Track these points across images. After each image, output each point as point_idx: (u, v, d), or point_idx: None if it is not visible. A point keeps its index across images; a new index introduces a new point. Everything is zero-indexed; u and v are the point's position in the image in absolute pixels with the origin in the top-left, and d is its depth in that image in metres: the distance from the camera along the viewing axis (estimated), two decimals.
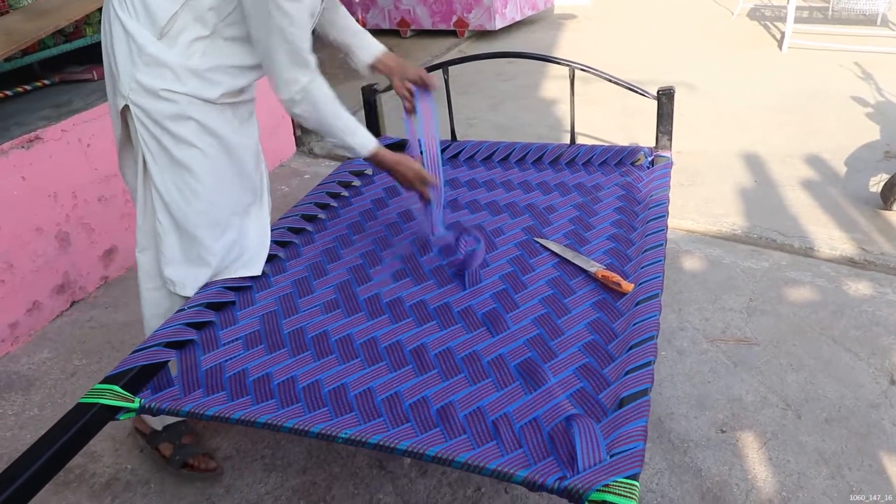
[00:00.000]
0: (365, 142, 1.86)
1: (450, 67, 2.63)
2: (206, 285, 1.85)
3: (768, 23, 6.73)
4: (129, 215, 3.27)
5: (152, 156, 1.75)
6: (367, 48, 2.08)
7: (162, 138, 1.73)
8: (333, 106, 1.79)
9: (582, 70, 2.50)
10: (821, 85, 4.99)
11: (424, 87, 2.10)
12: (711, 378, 2.35)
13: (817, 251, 3.03)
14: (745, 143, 4.10)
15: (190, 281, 1.85)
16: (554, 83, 5.36)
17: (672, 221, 3.06)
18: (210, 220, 1.81)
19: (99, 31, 3.02)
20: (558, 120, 4.61)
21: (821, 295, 2.73)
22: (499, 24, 6.66)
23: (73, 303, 3.07)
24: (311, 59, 1.73)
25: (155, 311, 1.99)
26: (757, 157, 3.94)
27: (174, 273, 1.85)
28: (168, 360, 1.63)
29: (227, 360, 1.64)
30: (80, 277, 3.08)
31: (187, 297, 1.86)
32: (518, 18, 6.98)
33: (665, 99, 2.43)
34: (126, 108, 1.74)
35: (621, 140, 4.17)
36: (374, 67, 2.09)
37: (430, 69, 2.70)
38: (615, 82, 2.49)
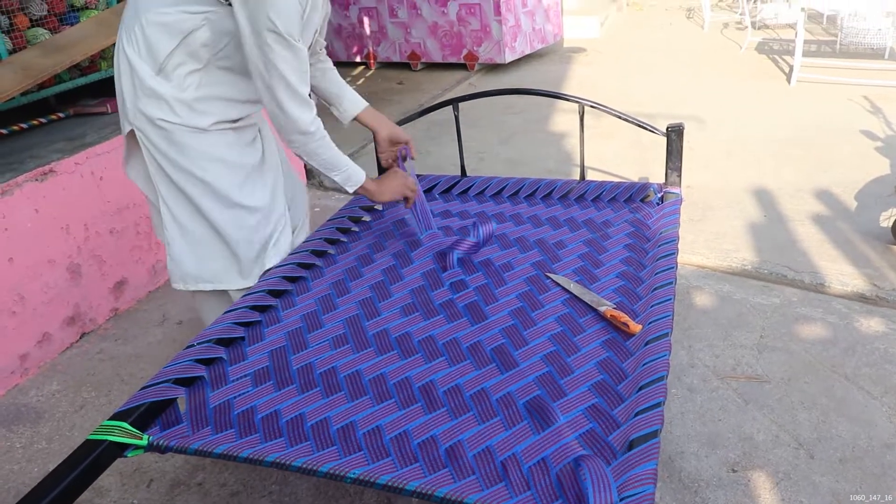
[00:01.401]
0: (359, 174, 2.06)
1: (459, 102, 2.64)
2: (217, 321, 1.86)
3: (776, 56, 6.77)
4: (140, 248, 3.29)
5: (155, 174, 1.99)
6: (353, 101, 2.27)
7: (160, 161, 1.95)
8: (329, 144, 1.95)
9: (592, 107, 2.51)
10: (830, 119, 5.00)
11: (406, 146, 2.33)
12: (722, 416, 2.33)
13: (828, 287, 3.02)
14: (754, 177, 4.11)
15: (195, 277, 2.11)
16: (563, 116, 5.39)
17: (682, 257, 3.06)
18: (209, 233, 2.04)
19: (113, 66, 3.11)
20: (568, 154, 4.63)
21: (832, 332, 2.72)
22: (508, 58, 6.71)
23: (83, 334, 3.08)
24: (312, 102, 1.88)
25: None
26: (767, 191, 3.94)
27: (177, 271, 2.11)
28: (177, 397, 1.63)
29: (235, 397, 1.63)
30: (91, 309, 3.09)
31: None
32: (528, 52, 7.04)
33: (674, 136, 2.43)
34: (131, 131, 1.97)
35: (632, 173, 4.19)
36: (357, 119, 2.28)
37: (440, 105, 2.73)
38: (625, 119, 2.50)
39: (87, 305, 3.07)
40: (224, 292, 2.20)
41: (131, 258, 3.26)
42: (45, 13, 3.13)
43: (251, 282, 2.11)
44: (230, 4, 1.78)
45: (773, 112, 5.24)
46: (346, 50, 7.44)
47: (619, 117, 2.51)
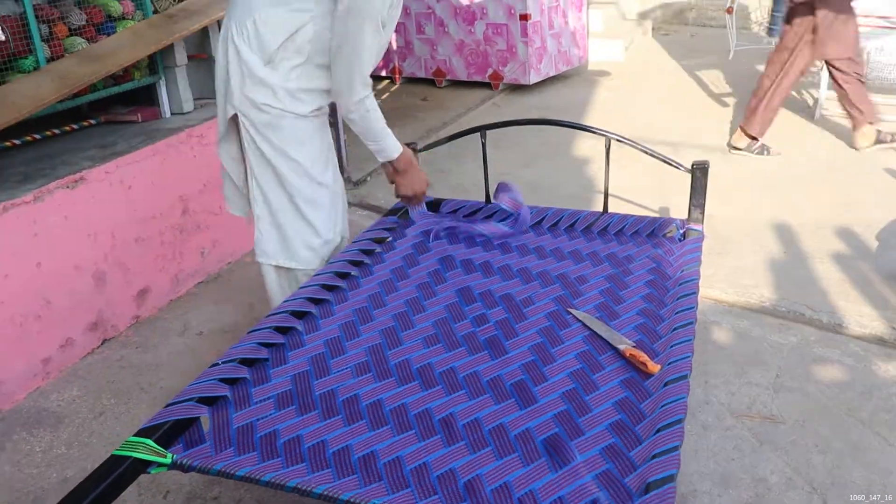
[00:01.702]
0: (396, 144, 2.35)
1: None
2: (241, 340, 1.89)
3: (801, 88, 6.75)
4: (164, 256, 3.34)
5: (252, 154, 2.29)
6: None
7: (259, 142, 2.25)
8: (380, 119, 2.27)
9: (618, 140, 2.53)
10: (853, 155, 4.98)
11: None
12: (736, 455, 2.33)
13: (846, 328, 3.02)
14: (776, 212, 4.11)
15: (276, 253, 2.39)
16: (587, 141, 5.40)
17: (701, 291, 3.05)
18: (293, 212, 2.33)
19: (145, 76, 3.32)
20: (590, 180, 4.65)
21: (849, 374, 2.72)
22: (533, 80, 6.74)
23: (104, 340, 3.12)
24: (370, 81, 2.20)
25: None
26: (788, 226, 3.94)
27: (265, 247, 2.40)
28: (200, 416, 1.66)
29: (258, 420, 1.66)
30: (113, 316, 3.14)
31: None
32: (552, 74, 7.07)
33: (699, 173, 2.45)
34: (234, 115, 2.26)
35: (653, 202, 4.20)
36: None
37: (469, 132, 2.75)
38: (651, 154, 2.52)
39: (109, 312, 3.12)
40: (291, 272, 2.46)
41: (155, 266, 3.31)
42: (84, 23, 3.18)
43: (319, 263, 2.40)
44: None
45: (797, 146, 5.23)
46: None
47: (645, 152, 2.54)
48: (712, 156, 5.03)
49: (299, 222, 2.35)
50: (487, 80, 6.97)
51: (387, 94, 7.11)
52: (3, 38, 2.78)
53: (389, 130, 2.32)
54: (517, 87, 7.01)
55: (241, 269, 3.74)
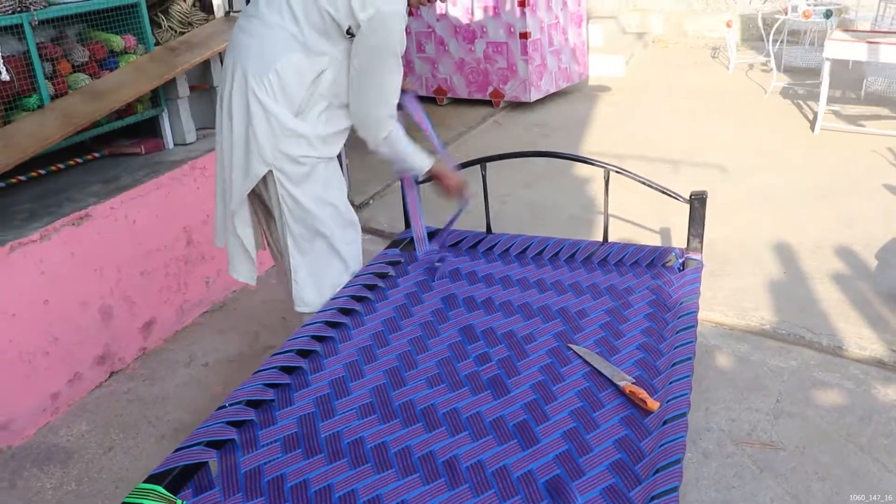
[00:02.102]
0: (426, 160, 2.43)
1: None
2: (247, 382, 1.92)
3: (801, 101, 6.79)
4: (168, 288, 3.37)
5: (287, 208, 2.25)
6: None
7: (296, 194, 2.23)
8: (405, 141, 2.34)
9: (617, 172, 2.56)
10: (853, 171, 5.01)
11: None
12: (737, 483, 2.36)
13: (846, 350, 3.04)
14: (775, 231, 4.14)
15: (316, 300, 2.37)
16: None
17: (701, 314, 3.07)
18: (328, 255, 2.36)
19: (148, 108, 3.38)
20: (590, 200, 4.68)
21: (849, 399, 2.74)
22: (534, 97, 6.79)
23: (111, 374, 3.16)
24: (394, 113, 2.27)
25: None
26: (787, 245, 3.97)
27: (305, 297, 2.38)
28: (209, 461, 1.69)
29: (265, 463, 1.69)
30: (120, 349, 3.17)
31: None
32: (553, 91, 7.11)
33: (697, 203, 2.48)
34: (268, 173, 2.21)
35: (655, 221, 4.23)
36: None
37: (468, 164, 2.78)
38: (649, 185, 2.54)
39: (116, 345, 3.15)
40: None
41: (160, 299, 3.35)
42: (87, 59, 3.23)
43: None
44: (351, 37, 2.13)
45: (796, 162, 5.26)
46: None
47: (644, 183, 2.56)
48: (711, 173, 5.07)
49: (336, 263, 2.40)
50: (488, 98, 7.01)
51: None
52: (7, 77, 2.83)
53: (414, 146, 2.39)
54: (518, 105, 7.05)
55: (245, 296, 3.77)
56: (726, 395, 2.79)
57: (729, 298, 3.47)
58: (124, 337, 3.19)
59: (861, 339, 3.09)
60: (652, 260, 2.53)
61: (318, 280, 2.38)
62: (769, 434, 2.58)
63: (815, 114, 5.99)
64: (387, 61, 2.14)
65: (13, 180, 3.14)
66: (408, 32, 7.13)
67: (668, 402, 1.75)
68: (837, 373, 2.90)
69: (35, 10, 2.92)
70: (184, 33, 3.66)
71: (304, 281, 2.36)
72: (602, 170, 2.60)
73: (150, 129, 3.69)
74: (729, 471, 2.42)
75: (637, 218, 4.30)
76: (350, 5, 2.07)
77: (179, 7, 3.64)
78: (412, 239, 2.69)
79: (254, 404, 1.87)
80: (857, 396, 2.75)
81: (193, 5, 3.76)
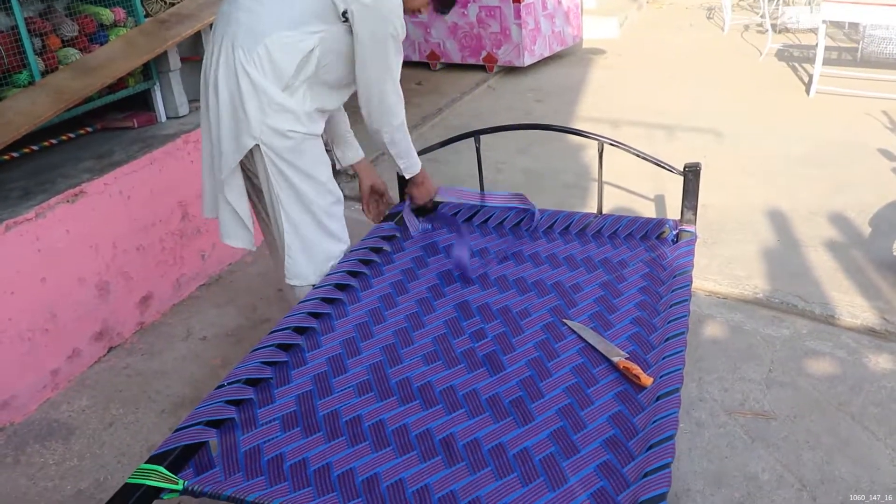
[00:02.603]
0: (418, 165, 2.49)
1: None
2: (245, 359, 1.94)
3: (796, 64, 6.76)
4: (165, 263, 3.38)
5: (276, 182, 2.25)
6: (356, 149, 2.65)
7: (284, 168, 2.22)
8: (408, 135, 2.39)
9: (612, 144, 2.55)
10: (848, 135, 5.01)
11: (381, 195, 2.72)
12: (729, 453, 2.40)
13: (838, 319, 3.07)
14: (769, 198, 4.15)
15: (309, 273, 2.37)
16: (581, 126, 5.37)
17: (695, 283, 3.10)
18: (317, 230, 2.35)
19: (139, 82, 3.41)
20: (585, 167, 4.68)
21: (840, 368, 2.77)
22: (527, 61, 6.75)
23: (110, 349, 3.18)
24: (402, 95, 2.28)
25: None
26: (781, 212, 3.99)
27: (298, 271, 2.38)
28: (209, 440, 1.72)
29: (264, 442, 1.71)
30: (118, 324, 3.19)
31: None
32: (547, 55, 7.07)
33: (691, 175, 2.48)
34: (255, 147, 2.19)
35: (649, 190, 4.24)
36: (352, 166, 2.67)
37: (463, 137, 2.77)
38: (644, 157, 2.54)
39: (114, 320, 3.17)
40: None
41: (156, 273, 3.36)
42: (76, 33, 3.20)
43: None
44: (346, 21, 2.12)
45: (791, 126, 5.26)
46: None
47: (638, 156, 2.56)
48: (705, 138, 5.07)
49: (326, 239, 2.39)
50: (482, 63, 6.97)
51: None
52: None
53: (413, 148, 2.45)
54: (512, 69, 7.01)
55: (241, 269, 3.79)
56: (719, 364, 2.83)
57: (722, 267, 3.49)
58: (122, 312, 3.21)
59: (853, 308, 3.12)
60: (646, 232, 2.54)
61: (311, 254, 2.37)
62: (761, 403, 2.62)
63: (811, 77, 5.97)
64: (389, 45, 2.16)
65: (6, 157, 3.13)
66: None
67: (661, 377, 1.77)
68: (829, 341, 2.93)
69: None
70: (173, 4, 3.62)
71: (297, 256, 2.36)
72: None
73: (142, 102, 3.67)
74: (721, 441, 2.46)
75: (632, 185, 4.31)
76: None
77: None
78: (402, 212, 2.69)
79: (252, 382, 1.89)
80: (849, 365, 2.79)
81: None
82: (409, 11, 2.31)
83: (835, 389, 2.66)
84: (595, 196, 4.27)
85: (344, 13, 2.11)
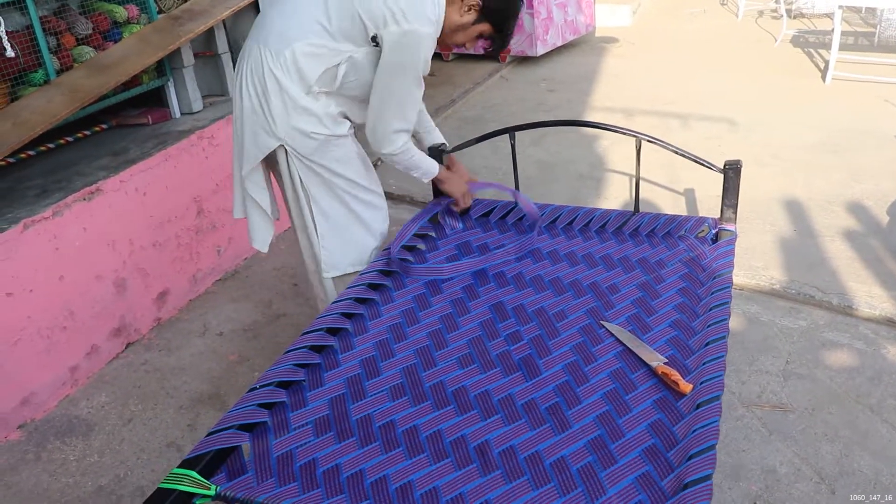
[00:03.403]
0: (432, 164, 2.46)
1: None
2: (277, 362, 1.93)
3: (812, 50, 6.70)
4: (181, 259, 3.38)
5: (306, 177, 2.32)
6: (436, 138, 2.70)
7: (314, 167, 2.30)
8: (415, 152, 2.36)
9: (650, 141, 2.47)
10: (864, 122, 4.97)
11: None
12: (746, 446, 2.39)
13: (856, 310, 3.05)
14: (786, 187, 4.13)
15: (345, 263, 2.47)
16: (595, 116, 5.39)
17: None
18: (352, 221, 2.43)
19: (153, 79, 3.48)
20: (599, 157, 4.65)
21: (859, 359, 2.76)
22: (540, 51, 6.70)
23: (128, 345, 3.18)
24: (411, 129, 2.30)
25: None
26: (797, 202, 3.96)
27: (334, 262, 2.46)
28: (241, 444, 1.71)
29: (297, 447, 1.70)
30: (135, 320, 3.19)
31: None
32: (560, 44, 7.01)
33: (731, 173, 2.41)
34: (279, 148, 2.27)
35: (664, 178, 4.21)
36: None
37: (495, 134, 2.70)
38: (682, 154, 2.44)
39: (131, 317, 3.17)
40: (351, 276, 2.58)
41: (173, 269, 3.35)
42: (90, 31, 3.18)
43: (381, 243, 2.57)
44: (377, 45, 2.15)
45: (807, 113, 5.22)
46: None
47: (678, 153, 2.46)
48: (720, 127, 5.04)
49: (359, 229, 2.45)
50: None
51: None
52: (12, 54, 2.78)
53: (420, 153, 2.42)
54: (525, 59, 6.96)
55: (257, 263, 3.78)
56: (736, 356, 2.82)
57: (739, 257, 3.45)
58: (139, 308, 3.20)
59: (871, 298, 3.11)
60: (684, 231, 2.47)
61: (346, 243, 2.44)
62: (779, 396, 2.61)
63: (827, 63, 5.91)
64: (408, 78, 2.17)
65: (23, 155, 3.12)
66: None
67: (701, 383, 1.74)
68: (847, 333, 2.92)
69: None
70: (186, 0, 3.59)
71: (332, 246, 2.43)
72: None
73: (156, 98, 3.65)
74: (739, 434, 2.45)
75: (644, 174, 4.25)
76: (385, 17, 2.09)
77: None
78: (438, 212, 2.68)
79: (284, 385, 1.88)
80: (867, 357, 2.78)
81: None
82: (449, 46, 2.35)
83: (853, 381, 2.65)
84: (609, 186, 4.28)
85: (374, 37, 2.13)
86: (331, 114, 2.25)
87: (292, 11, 2.19)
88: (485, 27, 2.29)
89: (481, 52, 2.65)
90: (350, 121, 2.34)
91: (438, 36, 2.19)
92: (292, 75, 2.17)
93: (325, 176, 2.32)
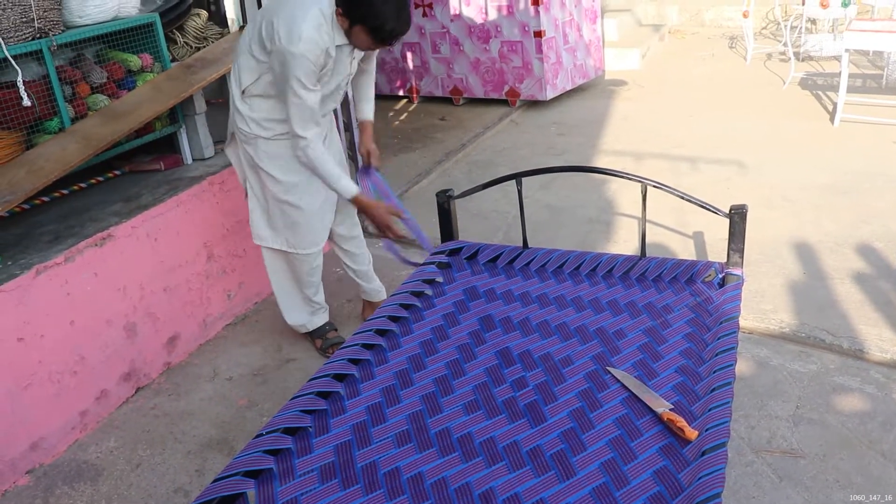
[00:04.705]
0: (349, 188, 2.84)
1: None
2: (284, 408, 1.93)
3: (820, 93, 6.72)
4: (191, 303, 3.40)
5: (245, 161, 3.00)
6: (364, 112, 3.18)
7: (249, 153, 2.94)
8: (325, 161, 2.78)
9: (655, 187, 2.48)
10: (873, 164, 4.96)
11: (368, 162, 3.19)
12: (756, 493, 2.36)
13: (867, 353, 3.03)
14: (795, 229, 4.12)
15: (266, 237, 3.10)
16: (605, 159, 5.41)
17: None
18: (275, 202, 2.99)
19: (166, 125, 3.62)
20: (608, 202, 4.67)
21: (870, 404, 2.73)
22: (550, 95, 6.75)
23: (137, 389, 3.19)
24: (314, 127, 2.73)
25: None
26: (807, 244, 3.96)
27: (254, 230, 3.11)
28: (247, 491, 1.71)
29: (302, 494, 1.70)
30: (145, 365, 3.20)
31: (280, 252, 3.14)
32: (569, 88, 7.07)
33: (737, 218, 2.43)
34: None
35: (670, 220, 4.22)
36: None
37: (504, 180, 2.72)
38: (688, 199, 2.46)
39: (141, 361, 3.18)
40: (286, 254, 3.12)
41: (183, 313, 3.37)
42: (105, 80, 3.24)
43: (310, 248, 3.08)
44: None
45: (815, 156, 5.22)
46: (390, 83, 7.52)
47: (683, 198, 2.47)
48: (729, 169, 5.05)
49: (282, 216, 3.00)
50: (504, 98, 6.99)
51: (405, 115, 7.13)
52: (28, 103, 2.85)
53: (340, 175, 2.82)
54: (535, 103, 7.02)
55: (267, 307, 3.79)
56: (745, 401, 2.79)
57: (748, 300, 3.45)
58: (149, 353, 3.22)
59: (882, 342, 3.08)
60: (691, 276, 2.47)
61: (271, 222, 3.06)
62: (789, 441, 2.58)
63: (835, 105, 5.92)
64: (292, 85, 2.62)
65: (37, 201, 3.17)
66: (421, 32, 7.18)
67: (707, 430, 1.73)
68: (858, 377, 2.90)
69: (54, 35, 2.94)
70: (199, 48, 3.66)
71: (259, 219, 3.07)
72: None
73: (168, 145, 3.71)
74: (748, 480, 2.42)
75: (651, 216, 4.27)
76: (272, 37, 2.60)
77: (194, 22, 3.65)
78: (449, 253, 2.72)
79: (290, 431, 1.89)
80: (879, 401, 2.75)
81: (208, 20, 3.76)
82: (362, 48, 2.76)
83: (865, 426, 2.62)
84: (618, 230, 4.29)
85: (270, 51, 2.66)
86: (255, 118, 2.82)
87: (247, 30, 2.78)
88: (361, 27, 2.61)
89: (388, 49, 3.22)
90: (277, 119, 2.81)
91: (334, 50, 2.66)
92: (234, 81, 2.82)
93: (254, 161, 2.91)
